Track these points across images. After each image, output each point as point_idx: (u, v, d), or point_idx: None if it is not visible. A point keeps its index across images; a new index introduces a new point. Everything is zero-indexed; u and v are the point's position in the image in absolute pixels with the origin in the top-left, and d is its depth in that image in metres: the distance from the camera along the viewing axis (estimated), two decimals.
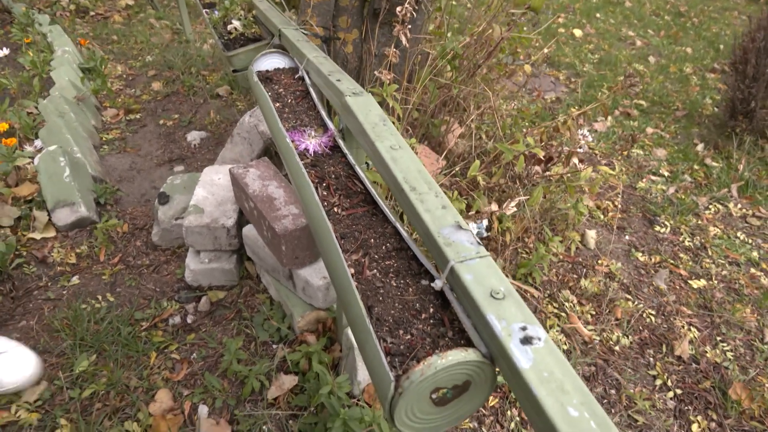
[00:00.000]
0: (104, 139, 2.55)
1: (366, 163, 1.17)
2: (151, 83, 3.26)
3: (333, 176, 0.99)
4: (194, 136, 2.58)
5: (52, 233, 1.90)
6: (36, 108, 2.56)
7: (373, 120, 0.99)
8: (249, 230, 1.59)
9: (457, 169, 2.13)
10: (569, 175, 1.85)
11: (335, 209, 0.89)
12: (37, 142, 2.29)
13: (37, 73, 2.91)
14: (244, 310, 1.61)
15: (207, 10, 2.32)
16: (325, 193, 0.93)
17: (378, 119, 1.00)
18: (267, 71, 1.43)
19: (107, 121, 2.75)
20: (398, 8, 1.53)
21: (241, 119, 1.94)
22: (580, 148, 2.37)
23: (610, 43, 4.73)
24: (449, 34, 1.83)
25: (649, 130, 3.23)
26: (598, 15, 5.56)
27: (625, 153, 2.97)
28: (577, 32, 4.82)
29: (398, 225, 0.83)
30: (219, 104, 2.91)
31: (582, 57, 4.37)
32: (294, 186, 1.01)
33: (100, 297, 1.66)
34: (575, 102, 3.60)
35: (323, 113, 1.17)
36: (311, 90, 1.27)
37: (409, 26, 1.56)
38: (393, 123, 1.62)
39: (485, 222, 1.96)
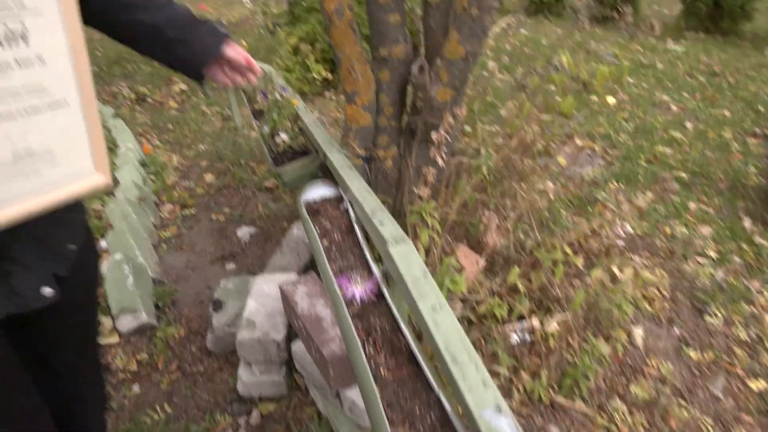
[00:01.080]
0: (162, 236, 2.73)
1: None
2: (204, 175, 3.48)
3: (379, 330, 1.06)
4: (244, 232, 2.73)
5: (115, 339, 2.04)
6: (102, 205, 2.78)
7: (415, 273, 1.07)
8: (298, 346, 1.66)
9: (497, 270, 2.18)
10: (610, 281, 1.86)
11: (381, 370, 0.96)
12: (103, 244, 2.48)
13: None
14: (293, 425, 1.66)
15: (257, 122, 2.51)
16: (372, 351, 1.00)
17: (419, 272, 1.07)
18: (314, 201, 1.54)
19: (165, 217, 2.95)
20: (433, 134, 1.63)
21: (290, 231, 2.06)
22: (620, 240, 2.38)
23: (645, 110, 4.76)
24: (482, 150, 1.92)
25: (692, 205, 3.19)
26: (630, 79, 5.61)
27: (669, 232, 2.94)
28: (610, 100, 4.87)
29: (442, 396, 0.88)
30: (267, 198, 3.08)
31: (617, 126, 4.40)
32: (343, 339, 1.08)
33: (158, 408, 1.75)
34: (613, 176, 3.62)
35: (368, 255, 1.26)
36: (356, 226, 1.37)
37: (445, 149, 1.66)
38: (434, 237, 1.70)
39: (526, 324, 1.98)
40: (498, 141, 2.30)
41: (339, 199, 1.54)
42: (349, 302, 1.14)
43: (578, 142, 4.15)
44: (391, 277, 1.17)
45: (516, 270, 1.84)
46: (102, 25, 0.98)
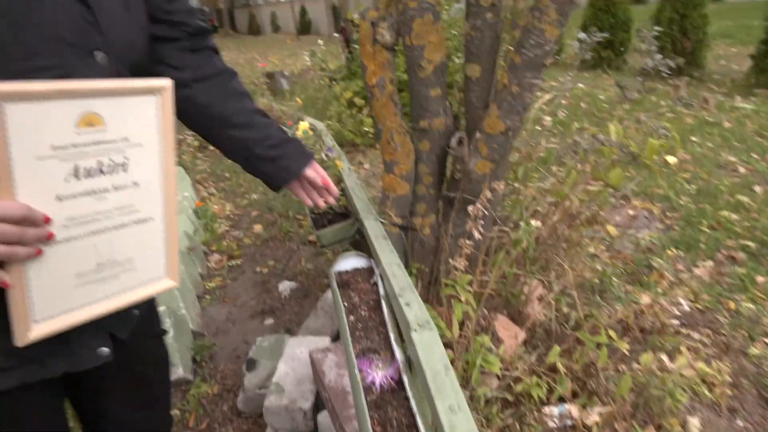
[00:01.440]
0: (207, 287, 2.80)
1: None
2: (253, 225, 3.58)
3: (395, 424, 1.01)
4: (285, 287, 2.76)
5: None
6: None
7: (436, 366, 1.03)
8: (324, 417, 1.63)
9: (537, 343, 2.08)
10: (660, 369, 1.73)
11: None
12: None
13: None
14: None
15: None
16: None
17: (441, 365, 1.03)
18: (346, 272, 1.54)
19: (212, 267, 3.03)
20: (470, 207, 1.61)
21: (325, 294, 2.07)
22: (678, 313, 2.23)
23: (709, 171, 4.53)
24: (523, 222, 1.87)
25: (760, 278, 2.97)
26: (693, 138, 5.39)
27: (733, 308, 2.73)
28: (671, 159, 4.68)
29: None
30: (310, 252, 3.12)
31: (678, 188, 4.21)
32: (359, 429, 1.05)
33: None
34: (672, 242, 3.43)
35: (392, 337, 1.23)
36: (383, 303, 1.35)
37: (482, 222, 1.63)
38: (468, 312, 1.65)
39: (566, 407, 1.86)
40: (543, 207, 2.24)
41: (370, 271, 1.53)
42: (368, 388, 1.11)
43: (634, 203, 3.99)
44: (413, 363, 1.13)
45: (557, 350, 1.75)
46: (193, 129, 1.05)
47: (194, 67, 1.00)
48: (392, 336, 1.23)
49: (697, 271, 3.16)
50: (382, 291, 1.39)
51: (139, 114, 0.74)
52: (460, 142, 1.68)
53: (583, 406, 1.83)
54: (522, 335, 2.08)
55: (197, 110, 0.99)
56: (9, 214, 0.62)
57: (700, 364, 1.75)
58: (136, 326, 0.97)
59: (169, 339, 2.14)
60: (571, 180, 2.01)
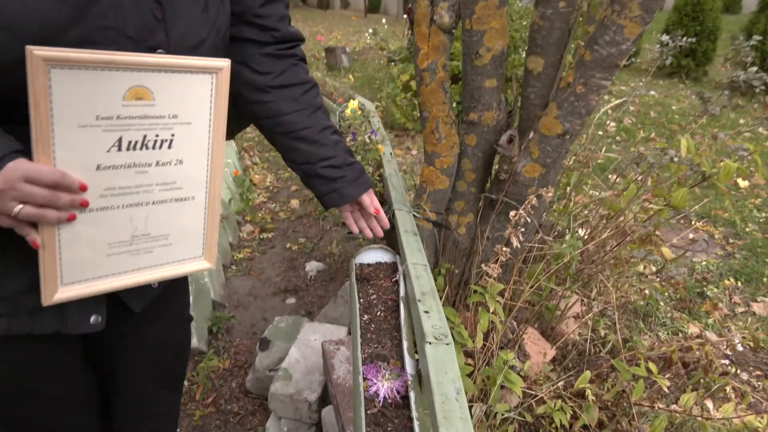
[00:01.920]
0: (235, 258, 2.76)
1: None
2: (291, 200, 3.53)
3: None
4: (312, 267, 2.69)
5: None
6: None
7: (446, 390, 0.92)
8: (328, 413, 1.55)
9: (569, 364, 1.93)
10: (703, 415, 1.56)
11: None
12: None
13: None
14: None
15: None
16: None
17: (452, 389, 0.92)
18: (368, 265, 1.44)
19: (243, 237, 3.00)
20: (512, 212, 1.47)
21: (346, 283, 1.98)
22: (726, 360, 2.04)
23: None
24: (567, 236, 1.71)
25: None
26: None
27: None
28: (742, 183, 4.33)
29: None
30: (342, 235, 3.04)
31: (745, 214, 3.88)
32: None
33: None
34: (731, 271, 3.16)
35: (405, 345, 1.12)
36: (401, 305, 1.24)
37: (523, 230, 1.49)
38: (496, 323, 1.52)
39: None
40: (593, 219, 2.07)
41: (394, 267, 1.43)
42: (371, 399, 1.01)
43: (695, 224, 3.70)
44: (422, 379, 1.02)
45: (587, 375, 1.60)
46: (261, 131, 1.06)
47: (277, 73, 0.97)
48: (405, 344, 1.12)
49: (755, 307, 2.90)
50: (402, 292, 1.29)
51: (192, 92, 0.72)
52: (510, 140, 1.54)
53: None
54: (551, 353, 1.93)
55: (269, 115, 0.99)
56: (41, 178, 0.62)
57: (749, 417, 1.56)
58: (162, 305, 0.99)
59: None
60: (629, 194, 1.83)
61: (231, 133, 1.12)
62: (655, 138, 5.27)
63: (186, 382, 1.93)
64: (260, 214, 3.26)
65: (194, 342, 2.04)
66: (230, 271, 2.65)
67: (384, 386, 1.02)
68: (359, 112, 2.98)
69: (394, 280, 1.36)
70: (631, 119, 5.97)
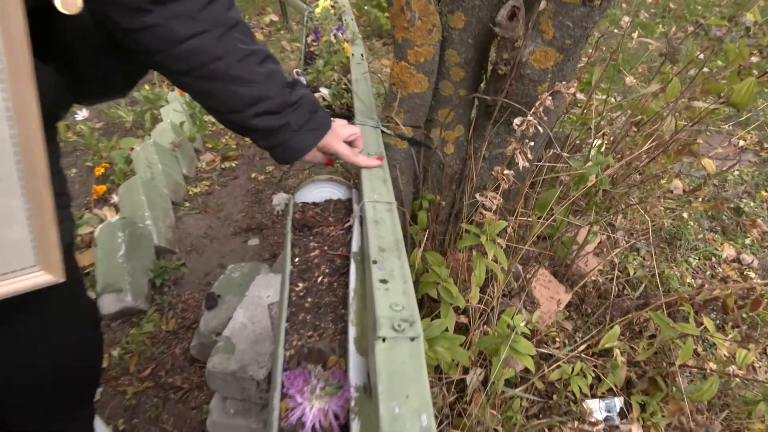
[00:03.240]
0: (190, 192, 2.35)
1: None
2: None
3: None
4: (280, 200, 2.27)
5: None
6: (132, 149, 2.44)
7: (402, 414, 0.53)
8: None
9: (587, 308, 1.56)
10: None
11: None
12: (116, 198, 2.15)
13: (150, 108, 2.84)
14: None
15: (298, 71, 1.99)
16: None
17: (414, 428, 0.53)
18: (313, 205, 1.02)
19: (202, 168, 2.57)
20: (517, 120, 1.02)
21: None
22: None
23: None
24: (592, 151, 1.28)
25: None
26: None
27: None
28: None
29: None
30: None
31: None
32: None
33: (112, 428, 1.38)
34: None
35: (351, 334, 0.72)
36: (353, 266, 0.83)
37: (531, 143, 1.05)
38: (497, 271, 1.12)
39: (617, 403, 1.37)
40: (622, 128, 1.62)
41: (349, 207, 1.01)
42: (293, 430, 0.63)
43: (738, 134, 3.21)
44: (371, 392, 0.63)
45: (616, 331, 1.22)
46: (158, 71, 0.74)
47: None
48: (353, 332, 0.73)
49: None
50: (355, 245, 0.87)
51: None
52: (512, 15, 1.06)
53: (642, 406, 1.34)
54: (566, 297, 1.56)
55: (159, 47, 0.66)
56: None
57: None
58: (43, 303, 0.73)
59: (120, 258, 1.72)
60: (672, 90, 1.37)
61: (124, 86, 0.86)
62: (677, 32, 4.64)
63: (116, 353, 1.58)
64: (223, 140, 2.81)
65: (129, 301, 1.67)
66: (182, 208, 2.24)
67: (313, 409, 0.63)
68: (332, 11, 2.44)
69: (346, 225, 0.95)
70: (648, 13, 5.30)
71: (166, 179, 2.22)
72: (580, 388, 1.27)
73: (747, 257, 2.19)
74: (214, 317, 1.55)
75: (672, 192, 1.89)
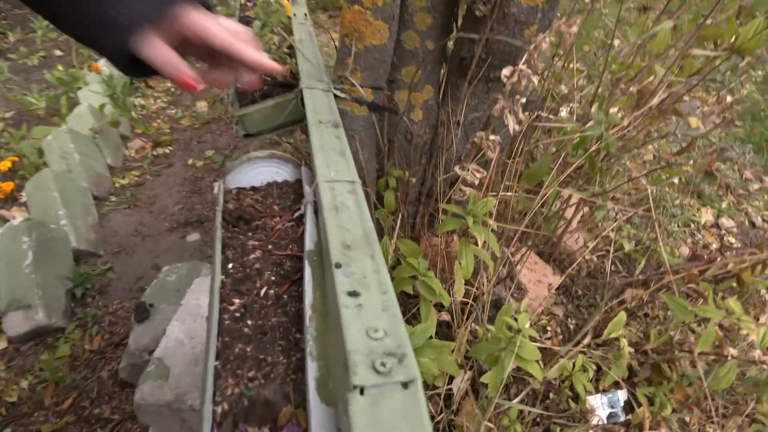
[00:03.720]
0: (116, 185, 2.04)
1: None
2: (197, 102, 2.75)
3: None
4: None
5: (3, 344, 1.40)
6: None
7: None
8: None
9: (578, 291, 1.39)
10: None
11: None
12: (24, 195, 1.82)
13: (66, 92, 2.48)
14: None
15: None
16: None
17: None
18: (252, 190, 0.78)
19: (130, 156, 2.25)
20: (506, 70, 0.81)
21: None
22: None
23: None
24: (593, 108, 1.08)
25: None
26: None
27: None
28: None
29: None
30: (262, 140, 2.33)
31: (739, 73, 3.33)
32: None
33: None
34: (736, 142, 2.66)
35: (310, 373, 0.50)
36: (307, 272, 0.60)
37: (523, 100, 0.85)
38: (487, 259, 0.93)
39: (620, 396, 1.21)
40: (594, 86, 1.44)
41: (299, 191, 0.78)
42: None
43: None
44: None
45: (622, 318, 1.05)
46: None
47: None
48: (312, 370, 0.50)
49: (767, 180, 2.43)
50: (309, 242, 0.65)
51: None
52: None
53: (649, 399, 1.18)
54: (555, 280, 1.38)
55: None
56: None
57: None
58: None
59: (26, 268, 1.43)
60: (662, 39, 1.19)
61: None
62: None
63: (26, 382, 1.30)
64: (155, 124, 2.49)
65: (41, 318, 1.39)
66: (108, 204, 1.94)
67: None
68: None
69: (296, 214, 0.72)
70: None
71: (85, 171, 1.91)
72: (584, 387, 1.09)
73: (726, 222, 2.10)
74: (145, 332, 1.29)
75: (655, 157, 1.74)
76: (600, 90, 1.36)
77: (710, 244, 1.96)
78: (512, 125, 0.85)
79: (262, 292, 0.61)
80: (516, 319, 0.81)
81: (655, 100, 1.26)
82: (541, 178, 1.01)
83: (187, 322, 1.16)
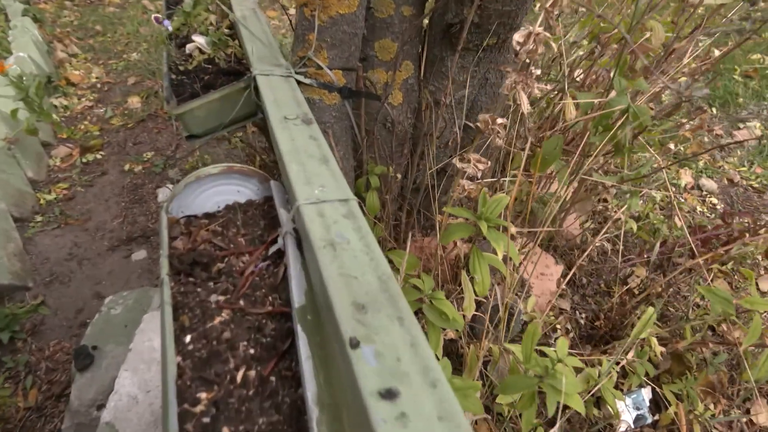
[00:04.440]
0: (41, 202, 1.77)
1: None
2: (128, 97, 2.45)
3: None
4: (166, 195, 1.77)
5: None
6: None
7: None
8: None
9: (583, 279, 1.26)
10: None
11: None
12: None
13: None
14: None
15: (158, 17, 1.46)
16: None
17: None
18: (206, 219, 0.59)
19: (56, 166, 1.97)
20: (517, 36, 0.64)
21: None
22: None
23: None
24: (613, 75, 0.93)
25: None
26: None
27: None
28: None
29: None
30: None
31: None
32: None
33: None
34: (700, 97, 2.60)
35: None
36: (303, 345, 0.42)
37: (538, 71, 0.68)
38: (504, 272, 0.77)
39: (645, 395, 1.09)
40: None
41: (270, 213, 0.59)
42: None
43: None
44: None
45: (650, 316, 0.92)
46: None
47: None
48: None
49: (738, 135, 2.39)
50: (297, 293, 0.46)
51: None
52: None
53: (678, 397, 1.07)
54: (557, 270, 1.25)
55: None
56: None
57: None
58: None
59: None
60: None
61: None
62: None
63: None
64: (82, 126, 2.20)
65: None
66: (33, 225, 1.67)
67: None
68: None
69: (272, 249, 0.53)
70: None
71: (1, 189, 1.63)
72: (612, 393, 0.96)
73: (706, 182, 2.03)
74: (90, 382, 1.08)
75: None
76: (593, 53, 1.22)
77: (695, 207, 1.88)
78: (525, 105, 0.69)
79: (239, 376, 0.43)
80: (552, 347, 0.66)
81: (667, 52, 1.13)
82: (552, 163, 0.85)
83: (139, 372, 0.95)
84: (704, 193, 1.98)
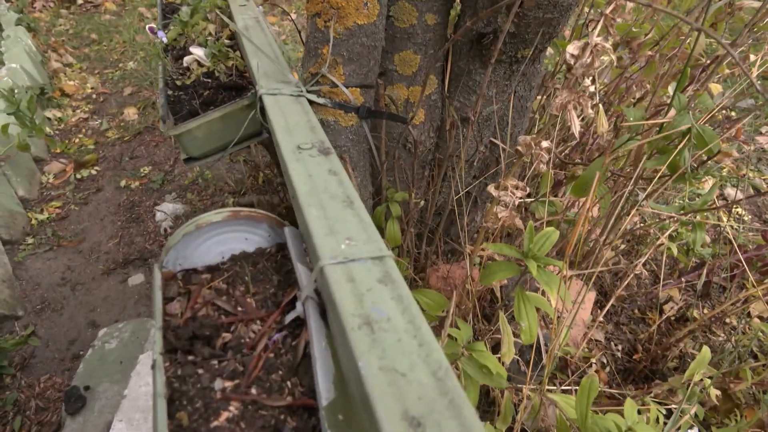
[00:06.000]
0: (33, 223, 1.67)
1: None
2: (124, 108, 2.36)
3: None
4: (166, 213, 1.67)
5: None
6: None
7: None
8: None
9: (618, 311, 1.17)
10: None
11: None
12: None
13: None
14: None
15: (153, 28, 1.36)
16: None
17: None
18: (209, 273, 0.49)
19: (49, 183, 1.87)
20: (571, 48, 0.55)
21: None
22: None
23: None
24: (671, 90, 0.83)
25: None
26: None
27: None
28: None
29: None
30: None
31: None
32: None
33: None
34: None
35: None
36: None
37: (593, 87, 0.59)
38: (551, 312, 0.67)
39: None
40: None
41: (285, 264, 0.49)
42: None
43: None
44: None
45: (705, 356, 0.82)
46: None
47: None
48: None
49: (761, 140, 2.29)
50: (322, 385, 0.37)
51: None
52: None
53: None
54: (590, 298, 1.15)
55: None
56: None
57: None
58: None
59: None
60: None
61: None
62: None
63: None
64: (76, 140, 2.11)
65: None
66: (24, 248, 1.58)
67: None
68: None
69: (290, 317, 0.43)
70: None
71: None
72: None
73: (731, 191, 1.93)
74: (82, 428, 0.98)
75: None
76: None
77: (719, 217, 1.78)
78: (576, 126, 0.59)
79: None
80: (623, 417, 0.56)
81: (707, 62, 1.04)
82: (590, 187, 0.75)
83: (135, 424, 0.86)
84: (728, 203, 1.88)
